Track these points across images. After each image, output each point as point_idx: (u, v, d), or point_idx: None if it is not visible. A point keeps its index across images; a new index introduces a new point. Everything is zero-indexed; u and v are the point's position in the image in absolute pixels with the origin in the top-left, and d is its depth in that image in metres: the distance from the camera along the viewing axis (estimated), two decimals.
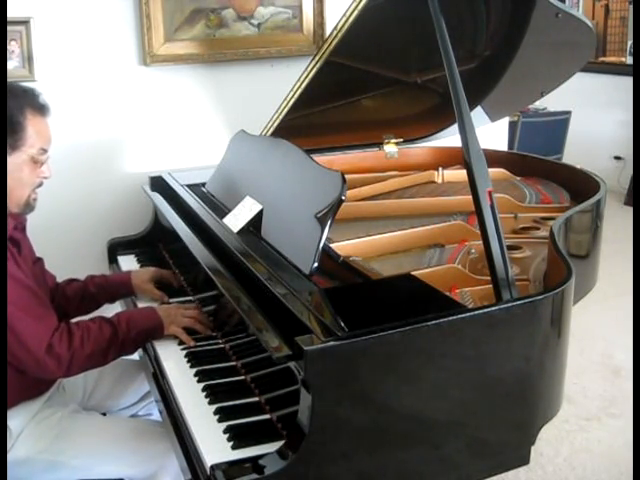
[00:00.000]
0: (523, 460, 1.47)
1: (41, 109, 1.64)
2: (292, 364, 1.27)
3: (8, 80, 1.69)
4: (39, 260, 1.87)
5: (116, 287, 1.96)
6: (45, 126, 1.66)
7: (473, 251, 1.86)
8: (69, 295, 1.92)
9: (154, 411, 1.95)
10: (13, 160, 1.59)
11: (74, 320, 1.70)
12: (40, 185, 1.69)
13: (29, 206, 1.68)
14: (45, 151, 1.66)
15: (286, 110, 2.15)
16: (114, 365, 2.00)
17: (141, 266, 2.27)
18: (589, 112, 5.68)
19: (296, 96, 2.10)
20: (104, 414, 1.95)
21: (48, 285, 1.87)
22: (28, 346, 1.53)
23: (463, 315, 1.34)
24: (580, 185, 2.29)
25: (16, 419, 1.63)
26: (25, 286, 1.57)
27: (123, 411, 1.98)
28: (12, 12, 2.19)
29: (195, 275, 1.98)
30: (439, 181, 2.47)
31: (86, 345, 1.60)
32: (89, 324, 1.65)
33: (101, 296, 1.94)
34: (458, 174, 2.41)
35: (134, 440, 1.67)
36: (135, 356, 1.99)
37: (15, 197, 1.63)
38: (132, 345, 1.71)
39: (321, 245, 1.52)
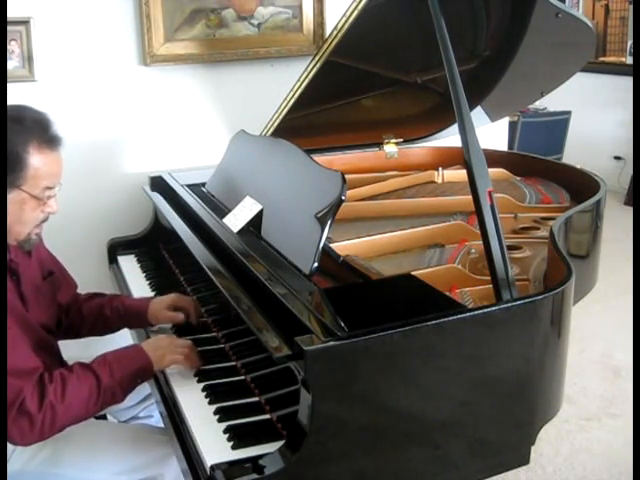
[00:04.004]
0: (523, 460, 1.47)
1: (49, 142, 1.48)
2: (292, 364, 1.27)
3: (18, 104, 1.51)
4: (51, 275, 1.75)
5: (131, 316, 1.85)
6: (52, 161, 1.49)
7: (473, 251, 1.86)
8: (84, 313, 1.83)
9: (155, 413, 1.95)
10: (12, 197, 1.44)
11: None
12: (45, 220, 1.55)
13: (29, 242, 1.54)
14: (50, 189, 1.50)
15: (286, 110, 2.16)
16: None
17: (141, 266, 2.28)
18: (589, 112, 5.68)
19: (296, 96, 2.10)
20: (104, 416, 1.95)
21: (57, 304, 1.76)
22: None
23: (463, 315, 1.34)
24: (580, 185, 2.29)
25: None
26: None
27: (124, 412, 1.96)
28: (12, 12, 2.19)
29: (194, 275, 1.98)
30: (439, 181, 2.46)
31: (62, 400, 1.41)
32: (65, 375, 1.46)
33: (114, 322, 1.85)
34: (458, 174, 2.41)
35: (132, 447, 1.64)
36: None
37: (14, 232, 1.51)
38: (119, 391, 1.51)
39: (321, 245, 1.52)
